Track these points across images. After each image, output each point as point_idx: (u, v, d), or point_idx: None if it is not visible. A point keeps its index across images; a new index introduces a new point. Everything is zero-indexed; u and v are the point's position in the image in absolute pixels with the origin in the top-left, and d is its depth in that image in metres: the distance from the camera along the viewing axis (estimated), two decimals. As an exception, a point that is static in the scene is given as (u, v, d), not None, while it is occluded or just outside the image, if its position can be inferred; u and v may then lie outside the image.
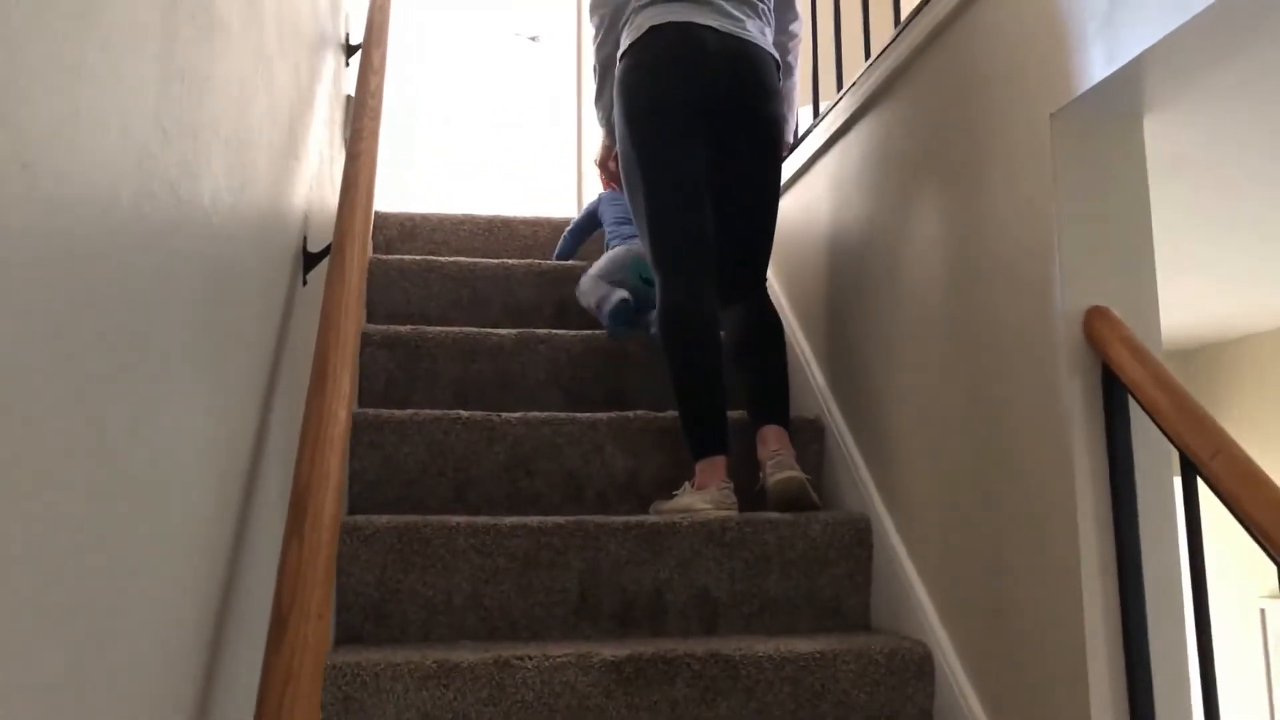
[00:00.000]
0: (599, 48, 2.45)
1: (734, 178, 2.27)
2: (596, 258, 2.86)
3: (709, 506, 2.06)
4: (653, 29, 2.22)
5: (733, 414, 2.27)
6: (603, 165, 2.80)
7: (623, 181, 2.31)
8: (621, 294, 2.55)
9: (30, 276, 0.54)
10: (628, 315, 2.52)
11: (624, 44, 2.29)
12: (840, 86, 2.42)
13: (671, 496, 2.19)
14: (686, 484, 2.17)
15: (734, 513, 2.06)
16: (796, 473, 2.11)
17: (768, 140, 2.29)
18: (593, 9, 2.45)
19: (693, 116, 2.21)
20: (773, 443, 2.17)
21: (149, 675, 0.80)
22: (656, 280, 2.24)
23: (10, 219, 0.51)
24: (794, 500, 2.09)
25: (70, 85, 0.58)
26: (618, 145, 2.30)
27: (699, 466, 2.13)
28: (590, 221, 3.05)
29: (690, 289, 2.18)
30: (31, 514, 0.56)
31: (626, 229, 2.84)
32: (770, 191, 2.31)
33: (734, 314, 2.32)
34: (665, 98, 2.20)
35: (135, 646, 0.77)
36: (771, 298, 2.82)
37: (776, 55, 2.33)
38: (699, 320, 2.16)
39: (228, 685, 1.09)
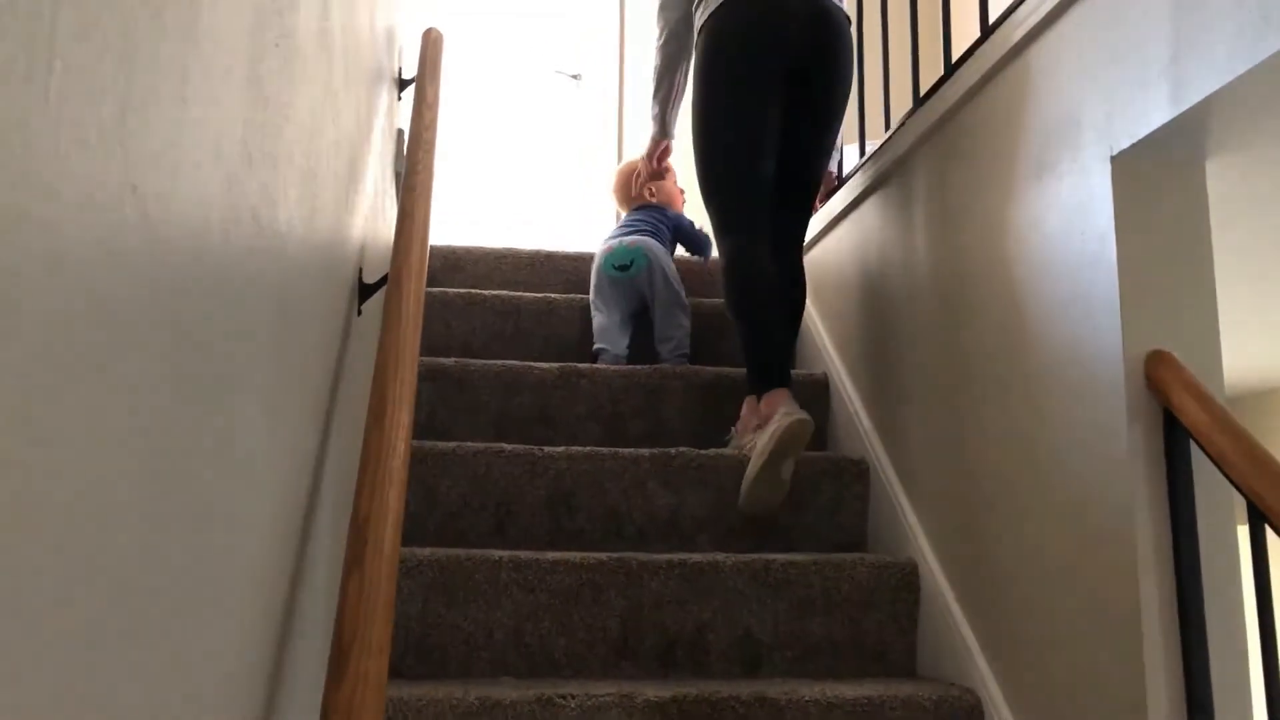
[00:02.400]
0: (662, 47, 2.54)
1: (800, 134, 2.37)
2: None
3: (779, 416, 2.06)
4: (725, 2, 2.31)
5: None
6: (649, 157, 2.78)
7: (694, 143, 2.39)
8: (612, 351, 2.75)
9: (141, 300, 0.54)
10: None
11: (700, 21, 2.38)
12: (888, 126, 2.41)
13: (726, 442, 2.29)
14: (738, 426, 2.25)
15: (807, 417, 2.06)
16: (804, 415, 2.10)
17: (837, 98, 2.39)
18: (659, 10, 2.54)
19: (770, 79, 2.30)
20: (781, 405, 2.15)
21: (216, 709, 0.79)
22: (718, 237, 2.33)
23: (123, 243, 0.51)
24: (799, 439, 2.07)
25: (176, 110, 0.58)
26: (692, 109, 2.39)
27: (765, 399, 2.15)
28: None
29: (751, 242, 2.26)
30: (120, 542, 0.55)
31: (615, 235, 2.98)
32: (828, 149, 2.44)
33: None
34: (743, 61, 2.30)
35: (205, 679, 0.76)
36: (815, 336, 2.81)
37: (848, 14, 2.41)
38: (758, 268, 2.23)
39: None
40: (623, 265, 2.81)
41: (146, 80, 0.54)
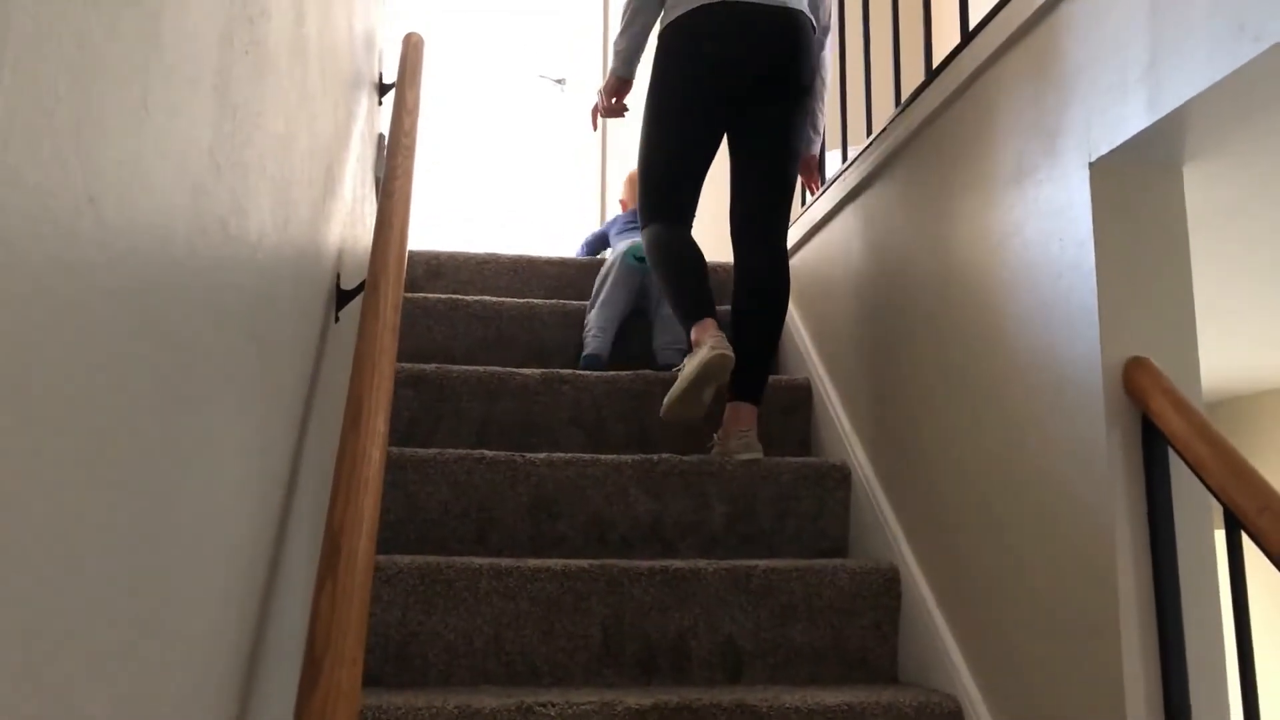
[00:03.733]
0: None
1: (766, 135, 2.44)
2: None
3: (705, 353, 2.23)
4: (701, 7, 2.35)
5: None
6: (606, 92, 2.69)
7: (642, 129, 2.49)
8: (593, 347, 2.80)
9: (98, 311, 0.53)
10: (596, 366, 2.78)
11: (673, 13, 2.42)
12: (870, 132, 2.42)
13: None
14: (684, 360, 2.34)
15: (729, 351, 2.24)
16: (759, 454, 2.34)
17: (800, 103, 2.45)
18: None
19: (730, 88, 2.39)
20: (744, 420, 2.37)
21: (184, 718, 0.78)
22: (647, 218, 2.45)
23: (79, 254, 0.50)
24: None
25: (136, 120, 0.58)
26: (646, 98, 2.48)
27: (693, 330, 2.31)
28: (602, 240, 3.41)
29: (679, 227, 2.43)
30: (85, 554, 0.55)
31: (630, 233, 3.14)
32: (795, 145, 2.48)
33: (749, 265, 2.45)
34: (701, 73, 2.38)
35: (174, 691, 0.75)
36: (798, 342, 2.81)
37: (811, 16, 2.47)
38: (684, 242, 2.41)
39: (257, 730, 1.06)
40: (642, 257, 2.90)
41: (104, 91, 0.53)
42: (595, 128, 2.88)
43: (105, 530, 0.59)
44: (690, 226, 2.45)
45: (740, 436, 2.34)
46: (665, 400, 2.34)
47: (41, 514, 0.49)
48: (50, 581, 0.51)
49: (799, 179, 2.73)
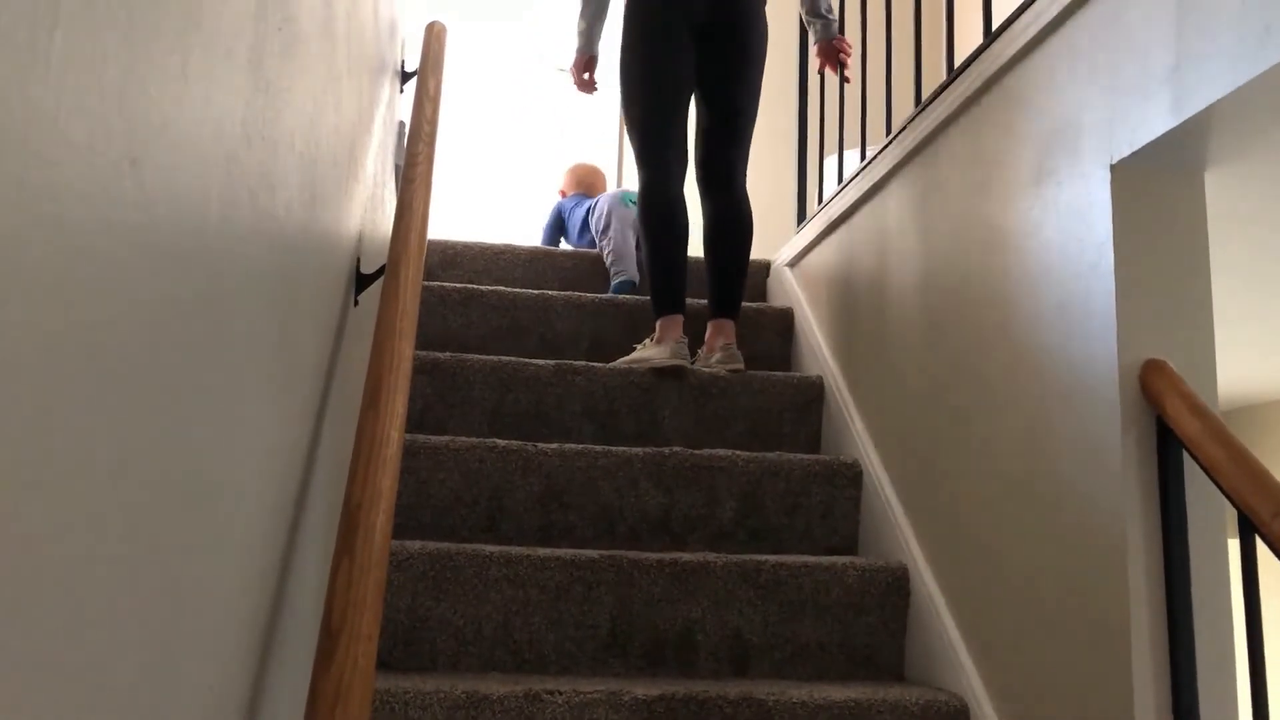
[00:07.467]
0: None
1: (725, 81, 2.65)
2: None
3: (665, 355, 2.49)
4: None
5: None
6: (576, 68, 2.92)
7: (620, 84, 2.67)
8: (626, 275, 3.20)
9: (137, 271, 0.53)
10: (629, 290, 3.17)
11: None
12: (889, 131, 2.42)
13: (632, 350, 2.65)
14: (646, 339, 2.60)
15: (685, 363, 2.50)
16: (740, 365, 2.56)
17: (757, 49, 2.67)
18: None
19: (681, 34, 2.60)
20: (724, 335, 2.60)
21: (205, 692, 0.79)
22: (637, 167, 2.63)
23: (120, 215, 0.50)
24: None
25: (177, 87, 0.58)
26: (620, 55, 2.67)
27: (660, 322, 2.55)
28: (557, 220, 3.76)
29: (663, 173, 2.59)
30: (111, 523, 0.55)
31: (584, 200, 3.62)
32: (753, 91, 2.70)
33: (713, 207, 2.66)
34: (658, 15, 2.59)
35: (194, 663, 0.75)
36: (810, 339, 2.81)
37: None
38: (669, 197, 2.57)
39: (273, 704, 1.07)
40: (634, 201, 3.27)
41: (148, 55, 0.54)
42: (594, 91, 3.04)
43: (125, 496, 0.59)
44: (681, 178, 2.61)
45: (723, 349, 2.53)
46: (615, 363, 2.56)
47: (67, 482, 0.49)
48: (69, 548, 0.51)
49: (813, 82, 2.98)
